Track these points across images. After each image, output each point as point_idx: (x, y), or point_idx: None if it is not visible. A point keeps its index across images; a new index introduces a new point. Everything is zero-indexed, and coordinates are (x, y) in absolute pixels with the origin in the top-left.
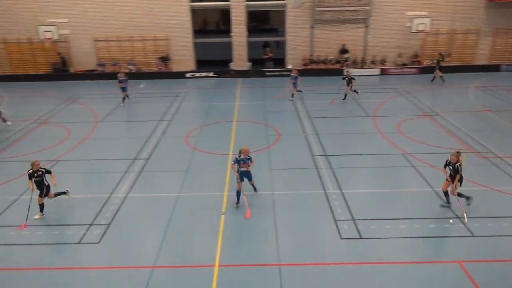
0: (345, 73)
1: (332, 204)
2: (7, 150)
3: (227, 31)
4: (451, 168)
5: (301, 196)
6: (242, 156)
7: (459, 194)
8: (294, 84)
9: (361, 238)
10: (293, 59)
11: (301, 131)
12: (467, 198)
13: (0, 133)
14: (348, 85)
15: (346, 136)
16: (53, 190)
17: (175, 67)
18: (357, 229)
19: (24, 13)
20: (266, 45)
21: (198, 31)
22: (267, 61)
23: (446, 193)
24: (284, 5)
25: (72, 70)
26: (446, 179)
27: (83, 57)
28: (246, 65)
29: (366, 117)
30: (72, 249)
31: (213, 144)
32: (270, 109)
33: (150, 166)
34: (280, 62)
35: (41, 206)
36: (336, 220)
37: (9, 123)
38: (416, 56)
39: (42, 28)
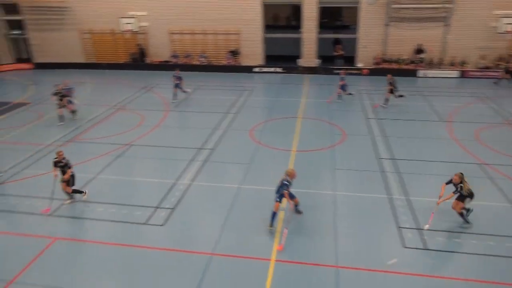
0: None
1: (397, 210)
2: (88, 132)
3: (297, 27)
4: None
5: (363, 199)
6: (289, 178)
7: (461, 214)
8: (343, 87)
9: (426, 249)
10: (364, 58)
11: (367, 132)
12: (467, 222)
13: (82, 117)
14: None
15: (416, 141)
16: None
17: (244, 61)
18: (423, 239)
19: (108, 6)
20: (337, 42)
21: (269, 26)
22: (337, 59)
23: (460, 214)
24: (358, 2)
25: (148, 60)
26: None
27: (159, 49)
28: (314, 62)
29: (439, 121)
30: (138, 229)
31: (277, 139)
32: (336, 108)
33: (215, 157)
34: (350, 60)
35: (69, 194)
36: (399, 227)
37: (76, 116)
38: (502, 59)
39: (124, 20)
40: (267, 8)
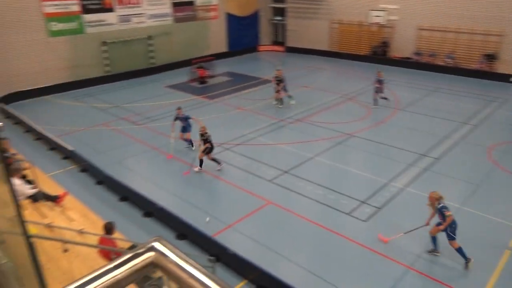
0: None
1: None
2: (316, 115)
3: None
4: None
5: None
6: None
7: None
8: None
9: None
10: None
11: None
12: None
13: (313, 101)
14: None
15: None
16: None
17: (501, 68)
18: None
19: None
20: None
21: None
22: None
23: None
24: None
25: (388, 55)
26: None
27: (403, 44)
28: None
29: None
30: (341, 217)
31: None
32: None
33: (438, 167)
34: None
35: (201, 162)
36: None
37: (293, 102)
38: None
39: (373, 13)
40: None
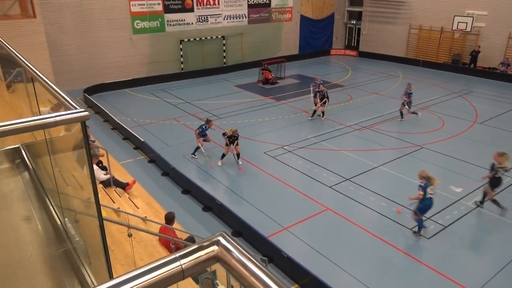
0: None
1: None
2: (385, 123)
3: None
4: None
5: None
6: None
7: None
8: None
9: None
10: None
11: None
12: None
13: (383, 109)
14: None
15: None
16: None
17: None
18: None
19: (447, 2)
20: None
21: None
22: None
23: None
24: None
25: (468, 65)
26: None
27: (490, 53)
28: None
29: None
30: (401, 231)
31: None
32: None
33: None
34: None
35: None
36: None
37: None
38: None
39: (458, 19)
40: None
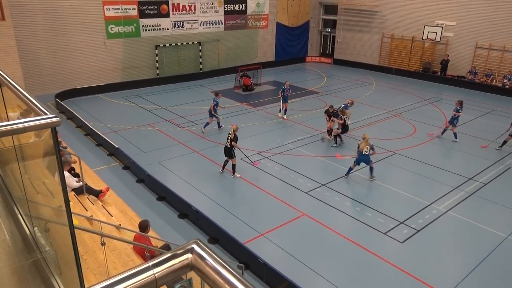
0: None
1: None
2: (359, 130)
3: None
4: None
5: None
6: None
7: None
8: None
9: None
10: None
11: None
12: None
13: (357, 116)
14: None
15: None
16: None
17: None
18: None
19: (417, 13)
20: None
21: None
22: None
23: None
24: None
25: (438, 73)
26: None
27: (457, 62)
28: None
29: None
30: (377, 236)
31: None
32: None
33: (484, 193)
34: None
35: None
36: None
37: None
38: None
39: (428, 29)
40: None
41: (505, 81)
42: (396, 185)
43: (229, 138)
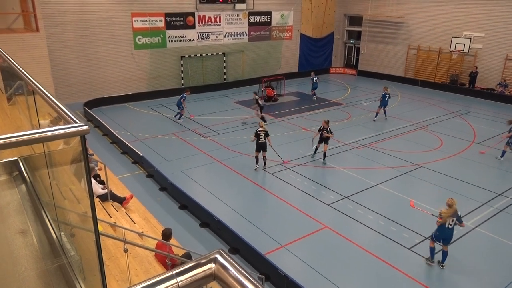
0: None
1: None
2: (385, 142)
3: None
4: None
5: None
6: None
7: None
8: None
9: None
10: None
11: None
12: None
13: (382, 128)
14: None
15: None
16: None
17: None
18: None
19: (445, 25)
20: None
21: None
22: None
23: None
24: None
25: (467, 85)
26: None
27: (487, 74)
28: None
29: None
30: (401, 251)
31: None
32: None
33: None
34: None
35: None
36: None
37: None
38: None
39: (456, 40)
40: None
41: None
42: (422, 199)
43: (262, 133)
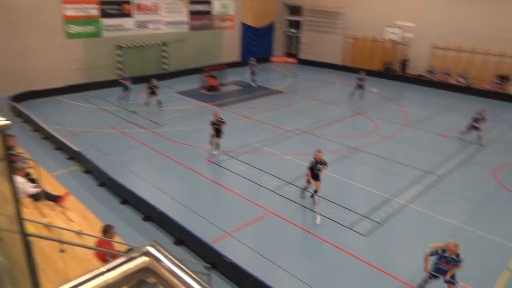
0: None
1: None
2: (324, 128)
3: None
4: None
5: None
6: (447, 254)
7: None
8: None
9: None
10: None
11: None
12: None
13: (321, 114)
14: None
15: None
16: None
17: None
18: None
19: (378, 15)
20: None
21: None
22: None
23: None
24: None
25: (399, 72)
26: None
27: (416, 62)
28: None
29: None
30: (341, 231)
31: None
32: None
33: (442, 185)
34: None
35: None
36: None
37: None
38: None
39: (389, 29)
40: None
41: (460, 79)
42: (360, 180)
43: (320, 165)
